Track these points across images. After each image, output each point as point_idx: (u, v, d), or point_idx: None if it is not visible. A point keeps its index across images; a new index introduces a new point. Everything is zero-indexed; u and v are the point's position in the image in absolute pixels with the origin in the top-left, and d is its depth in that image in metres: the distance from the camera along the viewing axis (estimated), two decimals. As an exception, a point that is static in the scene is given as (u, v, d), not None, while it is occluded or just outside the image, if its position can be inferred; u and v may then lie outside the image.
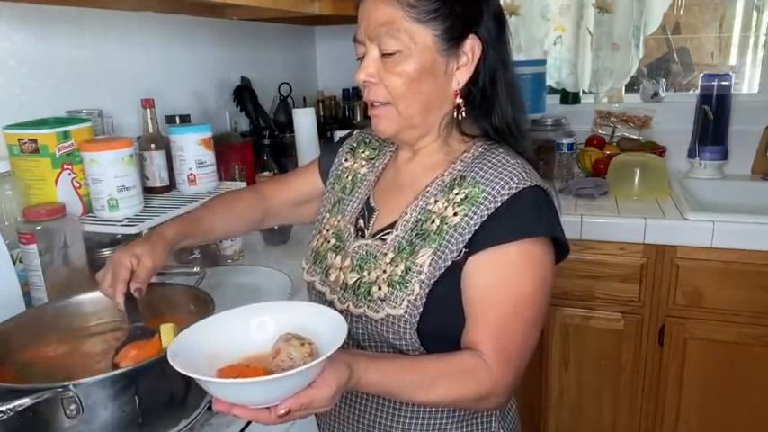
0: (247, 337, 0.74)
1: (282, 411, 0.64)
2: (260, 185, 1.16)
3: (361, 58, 0.85)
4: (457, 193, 0.83)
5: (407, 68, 0.81)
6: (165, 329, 0.82)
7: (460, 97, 0.85)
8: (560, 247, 0.85)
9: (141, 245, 0.90)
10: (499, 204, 0.79)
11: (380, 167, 0.98)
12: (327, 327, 0.70)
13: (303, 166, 1.16)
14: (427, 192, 0.87)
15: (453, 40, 0.81)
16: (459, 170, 0.86)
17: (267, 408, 0.64)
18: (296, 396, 0.64)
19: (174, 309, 0.93)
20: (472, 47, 0.83)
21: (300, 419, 0.67)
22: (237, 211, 1.08)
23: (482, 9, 0.83)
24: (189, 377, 0.62)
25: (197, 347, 0.69)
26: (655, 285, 1.76)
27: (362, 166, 1.00)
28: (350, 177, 1.00)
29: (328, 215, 0.99)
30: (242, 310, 0.76)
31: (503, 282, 0.80)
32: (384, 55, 0.81)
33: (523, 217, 0.80)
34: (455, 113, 0.86)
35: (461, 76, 0.84)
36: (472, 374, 0.78)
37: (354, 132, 1.08)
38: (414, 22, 0.79)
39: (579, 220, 1.76)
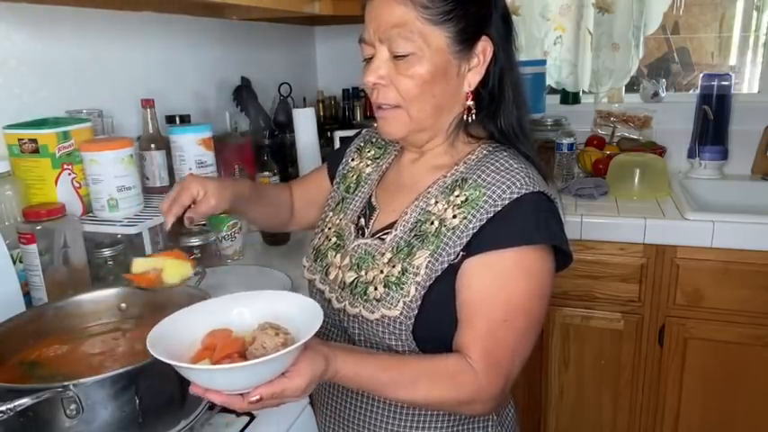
0: (229, 324, 0.74)
1: (254, 399, 0.64)
2: (290, 184, 1.16)
3: (367, 60, 0.83)
4: (457, 195, 0.82)
5: (420, 71, 0.79)
6: (171, 264, 0.82)
7: (471, 99, 0.84)
8: (564, 255, 0.83)
9: (214, 182, 0.92)
10: (499, 209, 0.78)
11: (384, 166, 0.98)
12: (305, 316, 0.71)
13: (317, 168, 1.15)
14: (428, 192, 0.86)
15: (466, 41, 0.80)
16: (462, 172, 0.85)
17: (240, 394, 0.65)
18: (268, 384, 0.65)
19: (174, 309, 0.93)
20: (484, 48, 0.82)
21: (272, 407, 0.68)
22: (277, 206, 1.10)
23: (492, 10, 0.82)
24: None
25: (177, 334, 0.71)
26: (655, 285, 1.76)
27: (368, 166, 1.00)
28: (354, 177, 1.00)
29: (331, 213, 0.99)
30: (224, 298, 0.77)
31: (495, 287, 0.78)
32: (396, 57, 0.80)
33: (523, 223, 0.78)
34: (465, 116, 0.85)
35: (473, 78, 0.83)
36: (455, 377, 0.77)
37: (362, 131, 1.07)
38: (427, 23, 0.78)
39: (579, 220, 1.76)
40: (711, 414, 1.79)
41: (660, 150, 2.16)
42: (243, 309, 0.76)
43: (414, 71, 0.80)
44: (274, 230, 1.53)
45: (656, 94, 2.26)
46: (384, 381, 0.75)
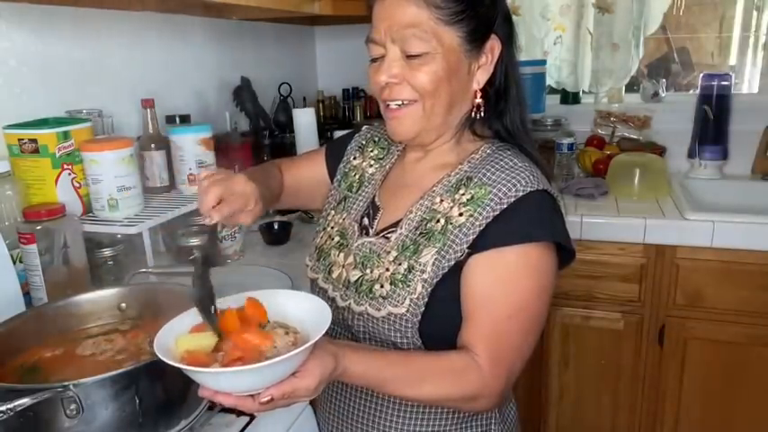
0: None
1: (265, 399, 0.64)
2: (278, 162, 1.10)
3: (375, 59, 0.84)
4: (463, 194, 0.83)
5: (435, 68, 0.81)
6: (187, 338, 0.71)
7: (480, 97, 0.86)
8: (566, 252, 0.84)
9: (259, 189, 0.84)
10: (505, 206, 0.79)
11: (387, 166, 0.98)
12: (313, 315, 0.71)
13: (311, 151, 1.14)
14: (433, 191, 0.87)
15: (477, 41, 0.82)
16: (467, 171, 0.86)
17: (251, 395, 0.65)
18: (279, 384, 0.65)
19: (174, 309, 0.93)
20: (492, 47, 0.84)
21: (284, 408, 0.68)
22: (273, 185, 1.02)
23: (497, 10, 0.84)
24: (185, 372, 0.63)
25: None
26: (655, 285, 1.76)
27: (371, 166, 1.00)
28: (357, 176, 1.00)
29: (333, 212, 0.99)
30: (228, 299, 0.77)
31: (500, 284, 0.79)
32: (409, 56, 0.81)
33: (527, 221, 0.79)
34: (474, 113, 0.87)
35: (481, 76, 0.85)
36: (461, 374, 0.77)
37: (363, 128, 1.07)
38: (440, 23, 0.79)
39: (579, 220, 1.76)
40: (711, 414, 1.79)
41: (660, 150, 2.16)
42: None
43: (428, 68, 0.81)
44: None
45: (656, 94, 2.26)
46: (390, 378, 0.76)
